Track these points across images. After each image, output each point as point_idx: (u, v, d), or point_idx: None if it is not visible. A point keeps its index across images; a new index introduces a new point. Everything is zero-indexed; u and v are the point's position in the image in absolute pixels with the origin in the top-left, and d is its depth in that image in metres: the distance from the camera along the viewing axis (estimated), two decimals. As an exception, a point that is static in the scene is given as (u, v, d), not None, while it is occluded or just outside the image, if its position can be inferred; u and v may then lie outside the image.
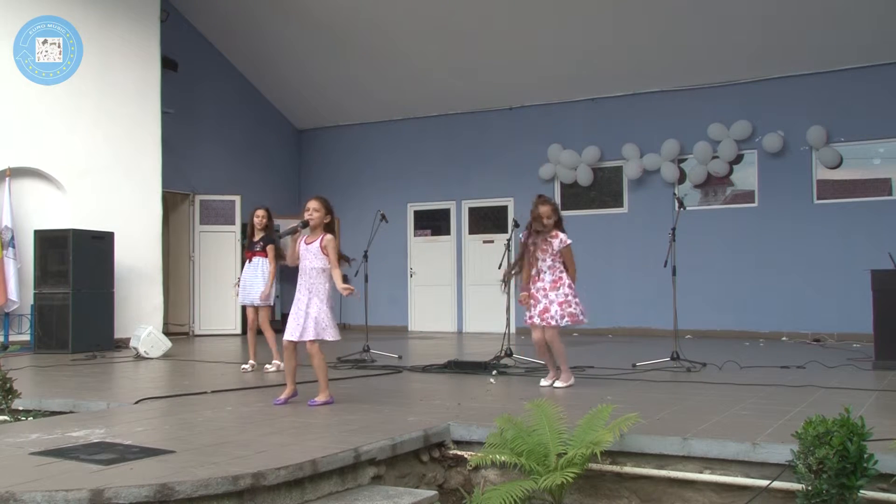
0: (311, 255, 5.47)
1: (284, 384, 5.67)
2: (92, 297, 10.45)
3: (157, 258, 11.87)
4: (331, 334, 5.42)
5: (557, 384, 6.34)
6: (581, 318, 6.33)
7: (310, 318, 5.40)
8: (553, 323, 6.25)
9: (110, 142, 11.41)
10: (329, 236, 5.53)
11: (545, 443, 3.96)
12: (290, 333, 5.42)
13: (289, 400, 5.47)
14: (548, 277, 6.33)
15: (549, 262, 6.36)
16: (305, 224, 5.51)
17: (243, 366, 8.04)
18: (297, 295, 5.50)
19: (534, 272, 6.38)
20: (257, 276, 7.96)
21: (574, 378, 6.49)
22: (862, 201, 11.82)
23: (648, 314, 12.68)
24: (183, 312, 13.76)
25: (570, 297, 6.29)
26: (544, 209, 6.36)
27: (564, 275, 6.34)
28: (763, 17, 11.40)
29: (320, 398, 5.42)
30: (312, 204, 5.55)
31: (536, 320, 6.31)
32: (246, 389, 6.36)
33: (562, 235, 6.38)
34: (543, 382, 6.47)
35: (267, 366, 7.93)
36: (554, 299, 6.26)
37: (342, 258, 5.67)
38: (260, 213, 8.10)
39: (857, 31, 11.26)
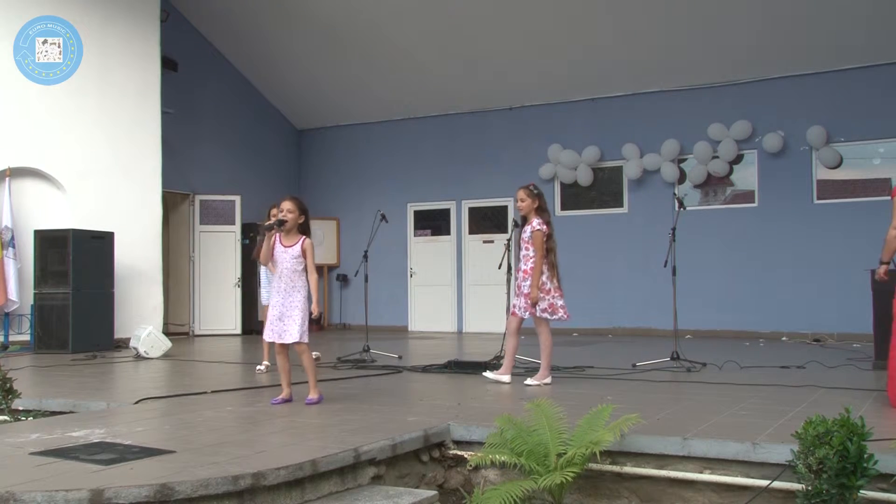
0: (292, 259, 5.46)
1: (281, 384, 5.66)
2: (92, 297, 10.45)
3: (157, 258, 11.87)
4: (306, 336, 5.45)
5: (528, 381, 6.38)
6: (546, 314, 6.30)
7: (292, 320, 5.40)
8: (518, 314, 6.38)
9: (110, 142, 11.41)
10: (308, 240, 5.51)
11: (545, 443, 3.96)
12: (274, 335, 5.41)
13: (284, 402, 5.46)
14: (523, 266, 6.43)
15: (523, 251, 6.45)
16: (281, 223, 5.49)
17: (258, 367, 7.87)
18: (275, 298, 5.47)
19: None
20: None
21: (550, 377, 6.45)
22: (862, 201, 11.81)
23: (648, 314, 12.68)
24: (183, 312, 13.77)
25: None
26: (519, 193, 6.48)
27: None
28: (763, 17, 11.40)
29: (314, 395, 5.47)
30: (286, 205, 5.50)
31: (515, 310, 6.45)
32: (246, 389, 6.36)
33: (534, 222, 6.41)
34: (488, 374, 6.65)
35: (259, 367, 7.84)
36: (524, 291, 6.36)
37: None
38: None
39: (857, 31, 11.26)
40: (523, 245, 6.45)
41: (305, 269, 5.50)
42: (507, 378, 6.50)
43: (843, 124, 11.89)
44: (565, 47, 12.72)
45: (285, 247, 5.49)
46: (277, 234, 5.51)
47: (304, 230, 5.56)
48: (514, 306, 6.47)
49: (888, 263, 5.29)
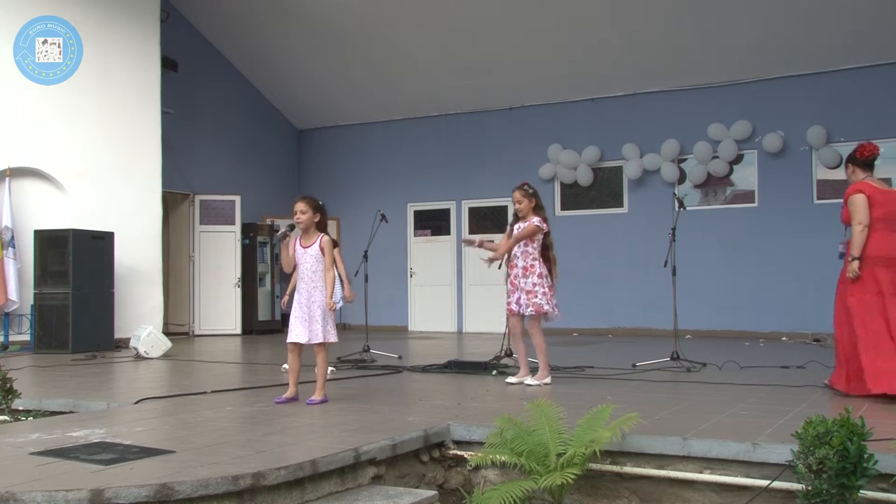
0: (312, 259, 5.43)
1: (285, 384, 5.66)
2: (92, 297, 10.45)
3: (157, 258, 11.87)
4: (333, 335, 5.46)
5: (528, 381, 6.33)
6: (546, 308, 6.29)
7: (315, 321, 5.39)
8: (515, 310, 6.34)
9: (110, 142, 11.40)
10: (326, 238, 5.48)
11: (545, 443, 3.96)
12: (297, 336, 5.41)
13: (289, 401, 5.45)
14: (520, 264, 6.39)
15: (521, 247, 6.38)
16: (292, 227, 5.48)
17: (284, 366, 7.75)
18: (299, 298, 5.46)
19: (511, 257, 6.46)
20: None
21: (550, 377, 6.41)
22: (862, 201, 11.80)
23: (648, 314, 12.68)
24: (183, 312, 13.76)
25: (537, 288, 6.30)
26: (515, 194, 6.47)
27: (537, 263, 6.36)
28: (763, 17, 11.40)
29: (318, 396, 5.45)
30: (299, 206, 5.50)
31: (514, 307, 6.41)
32: (246, 389, 6.36)
33: (534, 220, 6.39)
34: (510, 380, 6.55)
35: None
36: (523, 287, 6.33)
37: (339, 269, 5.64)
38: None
39: (857, 31, 11.26)
40: (520, 242, 6.44)
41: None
42: (529, 379, 6.45)
43: (843, 124, 11.88)
44: (565, 47, 12.72)
45: (304, 247, 5.48)
46: (297, 238, 5.51)
47: (321, 229, 5.54)
48: (511, 303, 6.43)
49: (860, 259, 5.55)
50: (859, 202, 5.56)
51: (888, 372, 5.28)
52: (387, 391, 6.26)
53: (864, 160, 5.78)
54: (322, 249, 5.44)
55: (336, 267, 5.53)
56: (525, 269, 6.35)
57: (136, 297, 11.40)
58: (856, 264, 5.54)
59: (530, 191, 6.50)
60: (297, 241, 5.51)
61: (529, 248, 6.37)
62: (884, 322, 5.40)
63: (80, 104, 11.13)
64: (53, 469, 3.45)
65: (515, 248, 6.43)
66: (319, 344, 5.44)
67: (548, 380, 6.37)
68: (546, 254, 6.42)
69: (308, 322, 5.41)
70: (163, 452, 3.79)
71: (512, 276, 6.44)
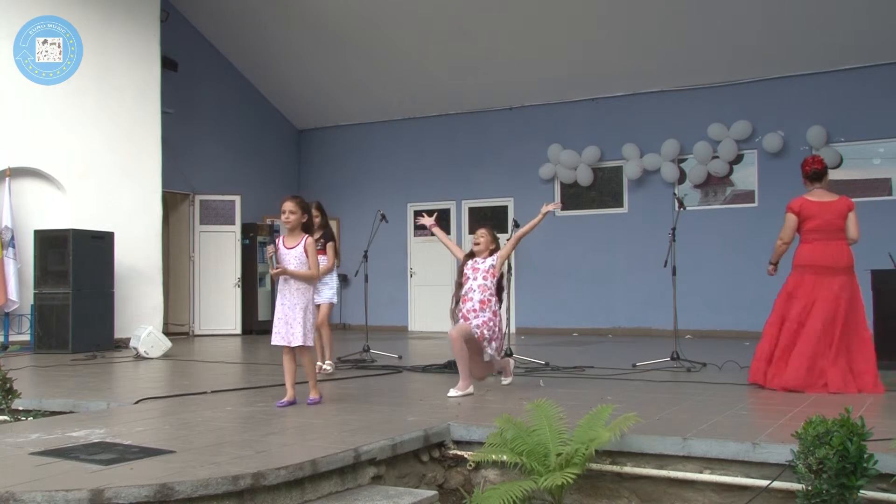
0: (295, 260, 5.37)
1: (283, 384, 5.65)
2: (92, 297, 10.45)
3: (157, 258, 11.87)
4: (311, 339, 5.42)
5: (452, 392, 5.85)
6: (488, 349, 6.02)
7: (297, 324, 5.34)
8: (470, 324, 5.99)
9: (110, 142, 11.40)
10: (310, 238, 5.44)
11: (545, 443, 3.96)
12: (282, 338, 5.36)
13: (290, 404, 5.42)
14: (476, 297, 6.08)
15: (479, 280, 6.11)
16: (273, 243, 5.47)
17: (325, 367, 7.57)
18: (282, 299, 5.39)
19: (463, 292, 6.16)
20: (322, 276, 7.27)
21: (472, 388, 5.96)
22: (862, 201, 11.73)
23: (648, 314, 12.68)
24: (183, 312, 13.77)
25: (491, 324, 6.03)
26: (482, 232, 6.29)
27: (493, 299, 6.10)
28: (763, 17, 11.40)
29: (315, 395, 5.46)
30: (287, 206, 5.40)
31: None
32: (246, 389, 6.36)
33: (494, 256, 6.23)
34: (507, 380, 6.47)
35: (325, 366, 7.55)
36: (482, 318, 6.02)
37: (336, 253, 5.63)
38: (314, 212, 7.48)
39: (857, 31, 11.26)
40: (478, 275, 6.12)
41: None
42: (453, 391, 5.95)
43: (843, 124, 11.89)
44: (565, 47, 12.72)
45: (288, 248, 5.42)
46: (281, 237, 5.49)
47: (307, 230, 5.52)
48: (472, 325, 6.02)
49: (776, 265, 6.65)
50: (787, 221, 6.34)
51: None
52: (387, 391, 6.27)
53: (806, 175, 6.32)
54: (306, 251, 5.38)
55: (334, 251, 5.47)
56: (482, 302, 6.05)
57: (136, 297, 11.40)
58: (770, 268, 6.66)
59: (494, 234, 6.38)
60: (281, 242, 5.45)
61: (488, 283, 6.10)
62: (798, 325, 6.03)
63: (80, 104, 11.13)
64: (53, 469, 3.45)
65: (472, 282, 6.12)
66: (301, 347, 5.38)
67: (471, 389, 5.93)
68: (499, 294, 6.24)
69: (287, 325, 5.35)
70: (163, 452, 3.79)
71: (465, 310, 6.08)
